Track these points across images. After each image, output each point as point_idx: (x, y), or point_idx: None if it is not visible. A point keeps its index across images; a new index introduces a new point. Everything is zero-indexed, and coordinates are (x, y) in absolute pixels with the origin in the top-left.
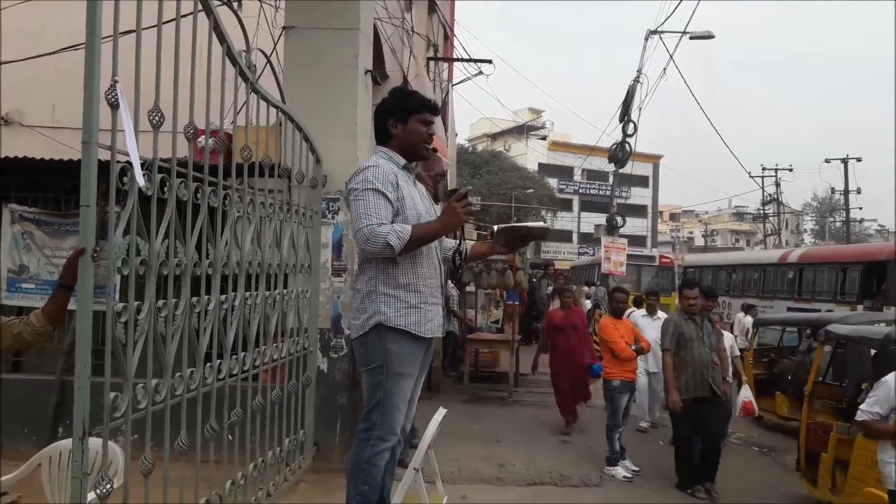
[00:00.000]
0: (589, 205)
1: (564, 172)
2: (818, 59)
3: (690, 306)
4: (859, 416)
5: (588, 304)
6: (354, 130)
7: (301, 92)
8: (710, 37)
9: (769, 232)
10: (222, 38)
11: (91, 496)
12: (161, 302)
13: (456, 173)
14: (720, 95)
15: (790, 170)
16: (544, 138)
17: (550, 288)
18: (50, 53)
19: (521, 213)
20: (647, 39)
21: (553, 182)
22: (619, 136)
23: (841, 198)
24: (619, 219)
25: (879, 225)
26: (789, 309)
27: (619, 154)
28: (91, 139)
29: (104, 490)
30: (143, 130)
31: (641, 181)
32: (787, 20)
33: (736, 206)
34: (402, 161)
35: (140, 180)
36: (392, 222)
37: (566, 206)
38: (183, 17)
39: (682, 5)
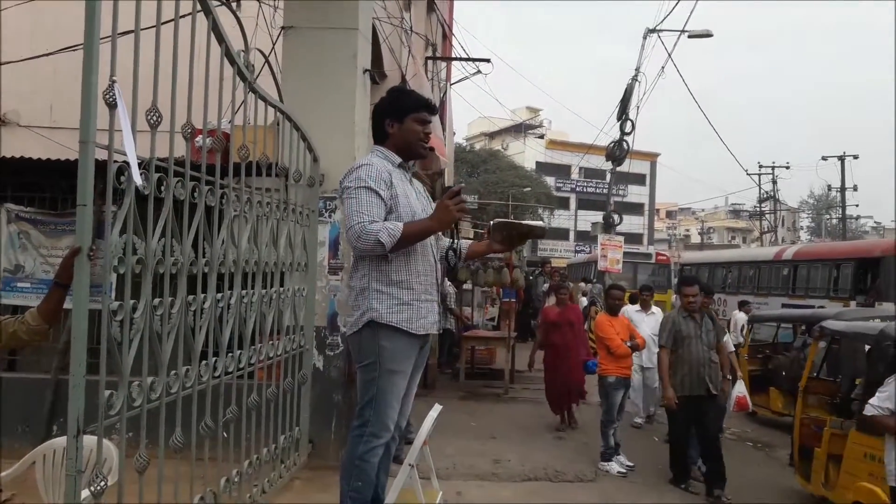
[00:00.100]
0: (586, 203)
1: (562, 171)
2: (816, 55)
3: (690, 303)
4: (868, 411)
5: (584, 301)
6: (352, 129)
7: (299, 91)
8: (708, 35)
9: (765, 229)
10: (221, 38)
11: (85, 494)
12: (157, 300)
13: (454, 172)
14: (718, 93)
15: (787, 167)
16: (542, 137)
17: (547, 285)
18: (48, 54)
19: (518, 212)
20: (645, 38)
21: (550, 180)
22: (616, 135)
23: (837, 195)
24: (615, 217)
25: (875, 222)
26: (784, 305)
27: (617, 152)
28: (88, 138)
29: (98, 487)
30: (141, 130)
31: (638, 179)
32: (786, 18)
33: (732, 204)
34: (398, 160)
35: (137, 179)
36: (385, 220)
37: (563, 204)
38: (181, 17)
39: (682, 4)
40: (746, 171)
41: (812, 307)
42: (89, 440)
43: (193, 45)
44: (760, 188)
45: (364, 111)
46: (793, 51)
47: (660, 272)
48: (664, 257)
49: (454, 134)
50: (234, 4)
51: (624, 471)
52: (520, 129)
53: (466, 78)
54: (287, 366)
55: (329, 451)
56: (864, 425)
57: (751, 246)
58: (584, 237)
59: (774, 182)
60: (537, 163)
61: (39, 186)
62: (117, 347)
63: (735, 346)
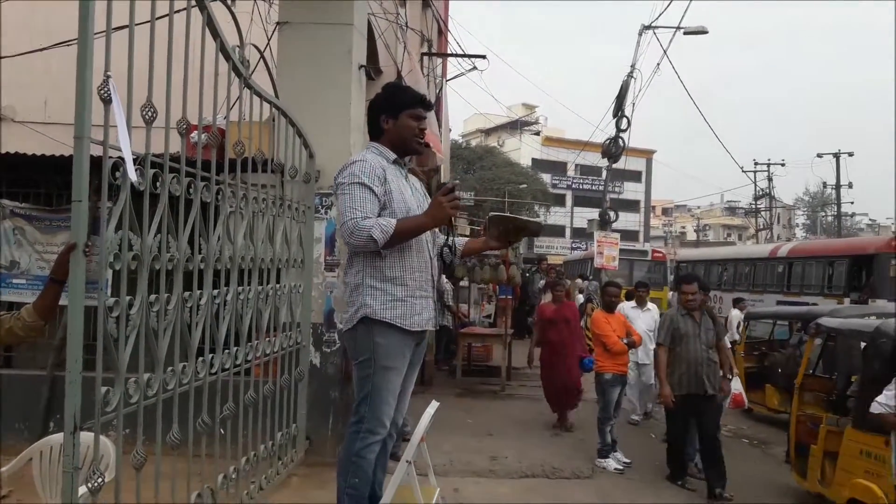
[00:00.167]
0: (582, 200)
1: (558, 168)
2: (812, 55)
3: (689, 301)
4: (875, 409)
5: (581, 298)
6: (348, 126)
7: (294, 87)
8: (703, 32)
9: (761, 226)
10: (216, 34)
11: (82, 490)
12: (153, 297)
13: (450, 168)
14: (714, 92)
15: (782, 164)
16: (538, 134)
17: (543, 282)
18: (42, 49)
19: (514, 209)
20: (640, 35)
21: (546, 177)
22: (612, 132)
23: (833, 192)
24: (611, 214)
25: (870, 219)
26: (779, 302)
27: (613, 149)
28: (83, 134)
29: (95, 484)
30: (136, 126)
31: (634, 176)
32: (781, 17)
33: (728, 201)
34: (393, 156)
35: (132, 175)
36: (379, 216)
37: (559, 201)
38: (176, 12)
39: (675, 4)
40: (742, 168)
41: (806, 304)
42: (86, 437)
43: (188, 40)
44: (756, 185)
45: (360, 107)
46: (788, 50)
47: (656, 269)
48: (660, 254)
49: (450, 130)
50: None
51: (621, 468)
52: (516, 126)
53: (462, 74)
54: (284, 363)
55: (326, 447)
56: (865, 422)
57: (746, 243)
58: (581, 234)
59: (770, 179)
60: (533, 160)
61: (34, 182)
62: (113, 344)
63: (731, 343)
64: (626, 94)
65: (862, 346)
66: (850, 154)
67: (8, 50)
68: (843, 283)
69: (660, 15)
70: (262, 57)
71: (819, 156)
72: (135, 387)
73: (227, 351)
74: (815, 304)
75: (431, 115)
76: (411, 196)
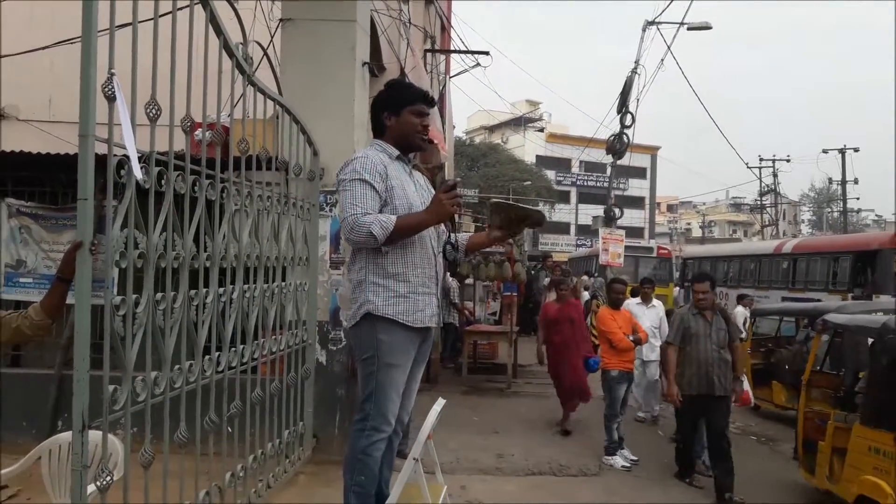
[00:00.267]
0: (587, 196)
1: (562, 164)
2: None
3: (700, 300)
4: None
5: (586, 295)
6: (351, 123)
7: (298, 84)
8: (707, 28)
9: (766, 223)
10: (219, 31)
11: (91, 488)
12: (159, 295)
13: (454, 166)
14: (718, 91)
15: (788, 160)
16: (542, 130)
17: (548, 280)
18: (46, 47)
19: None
20: (644, 31)
21: (551, 174)
22: (616, 128)
23: (838, 188)
24: (616, 210)
25: (877, 215)
26: (783, 298)
27: (617, 145)
28: (88, 132)
29: (104, 482)
30: (141, 124)
31: (639, 172)
32: (785, 17)
33: (733, 197)
34: (396, 152)
35: (137, 173)
36: (381, 212)
37: (564, 198)
38: (179, 9)
39: (675, 4)
40: (747, 164)
41: (811, 300)
42: (94, 435)
43: (192, 37)
44: (761, 181)
45: (363, 104)
46: (793, 50)
47: (661, 266)
48: (665, 251)
49: (454, 127)
50: None
51: (628, 465)
52: (520, 123)
53: (466, 71)
54: (290, 361)
55: (333, 445)
56: (874, 418)
57: (752, 239)
58: (585, 231)
59: (775, 175)
60: (537, 156)
61: (40, 181)
62: (120, 342)
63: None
64: (630, 90)
65: (870, 343)
66: (856, 150)
67: (12, 48)
68: (847, 278)
69: (663, 11)
70: (266, 54)
71: (825, 151)
72: (142, 385)
73: (233, 349)
74: (818, 300)
75: (435, 111)
76: (415, 192)
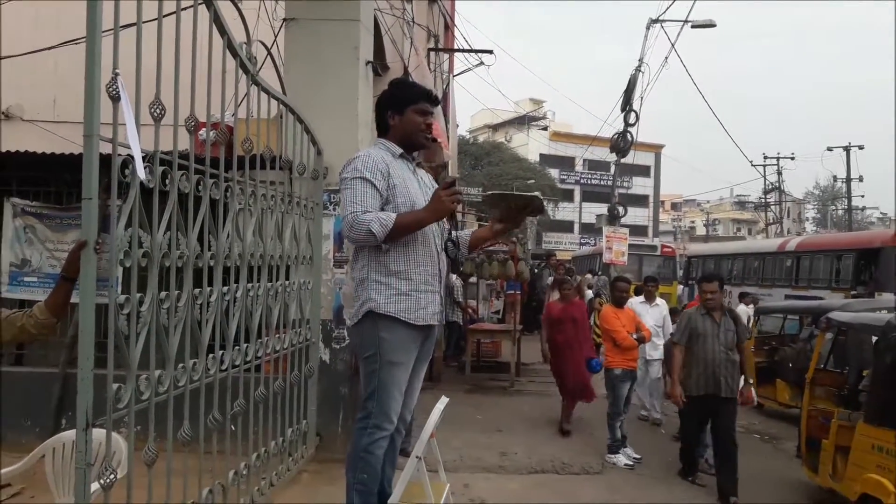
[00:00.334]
0: (590, 195)
1: (566, 163)
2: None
3: (708, 300)
4: None
5: (590, 293)
6: (355, 122)
7: (302, 84)
8: (711, 25)
9: (771, 221)
10: (223, 31)
11: (95, 486)
12: (163, 294)
13: (457, 164)
14: (721, 84)
15: (792, 158)
16: (545, 129)
17: (552, 279)
18: (50, 48)
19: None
20: (648, 28)
21: (554, 172)
22: (620, 126)
23: (843, 186)
24: (620, 209)
25: (881, 213)
26: (787, 296)
27: (621, 144)
28: (93, 132)
29: (108, 480)
30: (145, 123)
31: (643, 171)
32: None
33: (738, 195)
34: (399, 150)
35: (141, 173)
36: (383, 210)
37: (567, 196)
38: (183, 9)
39: (678, 4)
40: (751, 162)
41: (814, 298)
42: (98, 433)
43: (196, 37)
44: (766, 179)
45: (367, 103)
46: (794, 50)
47: (665, 264)
48: (669, 249)
49: (457, 126)
50: None
51: (631, 463)
52: (523, 121)
53: (469, 69)
54: (293, 359)
55: (336, 443)
56: (877, 417)
57: (756, 237)
58: (589, 229)
59: (780, 173)
60: (541, 155)
61: (44, 181)
62: (125, 341)
63: None
64: (634, 88)
65: (873, 340)
66: (861, 147)
67: (17, 48)
68: (850, 276)
69: (667, 9)
70: (270, 54)
71: (829, 149)
72: (146, 384)
73: (237, 347)
74: (821, 298)
75: (438, 110)
76: (418, 190)
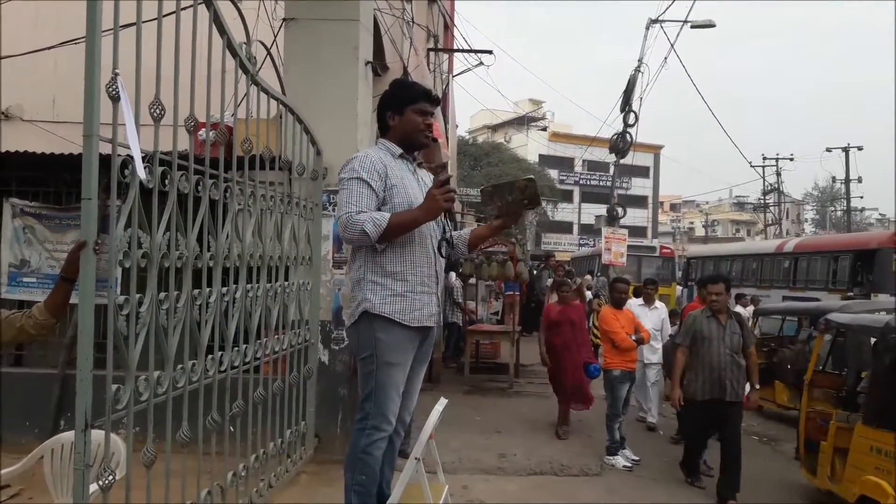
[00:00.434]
0: (589, 196)
1: (565, 163)
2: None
3: (713, 302)
4: None
5: (589, 294)
6: (355, 122)
7: (301, 84)
8: (711, 26)
9: (770, 222)
10: (222, 31)
11: (93, 488)
12: (163, 294)
13: (456, 165)
14: (720, 85)
15: (791, 159)
16: (545, 129)
17: (551, 280)
18: (49, 48)
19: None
20: (647, 29)
21: (554, 173)
22: (620, 127)
23: (842, 187)
24: (619, 209)
25: (881, 214)
26: (784, 297)
27: (620, 144)
28: (92, 132)
29: (106, 481)
30: (144, 124)
31: (642, 171)
32: (786, 17)
33: (736, 196)
34: (399, 150)
35: (141, 173)
36: (380, 210)
37: (567, 197)
38: (183, 9)
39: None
40: (751, 163)
41: (811, 299)
42: (97, 434)
43: (195, 37)
44: (765, 180)
45: (366, 103)
46: (793, 50)
47: (664, 265)
48: (668, 250)
49: (457, 126)
50: None
51: (629, 465)
52: (522, 122)
53: (469, 69)
54: (292, 360)
55: (335, 445)
56: (876, 418)
57: (755, 238)
58: (588, 230)
59: (778, 174)
60: (540, 155)
61: (44, 181)
62: (124, 342)
63: None
64: (633, 88)
65: (872, 342)
66: (860, 148)
67: (17, 48)
68: (846, 277)
69: (667, 9)
70: (269, 54)
71: (828, 150)
72: (145, 384)
73: (236, 348)
74: (818, 300)
75: (437, 110)
76: (418, 190)
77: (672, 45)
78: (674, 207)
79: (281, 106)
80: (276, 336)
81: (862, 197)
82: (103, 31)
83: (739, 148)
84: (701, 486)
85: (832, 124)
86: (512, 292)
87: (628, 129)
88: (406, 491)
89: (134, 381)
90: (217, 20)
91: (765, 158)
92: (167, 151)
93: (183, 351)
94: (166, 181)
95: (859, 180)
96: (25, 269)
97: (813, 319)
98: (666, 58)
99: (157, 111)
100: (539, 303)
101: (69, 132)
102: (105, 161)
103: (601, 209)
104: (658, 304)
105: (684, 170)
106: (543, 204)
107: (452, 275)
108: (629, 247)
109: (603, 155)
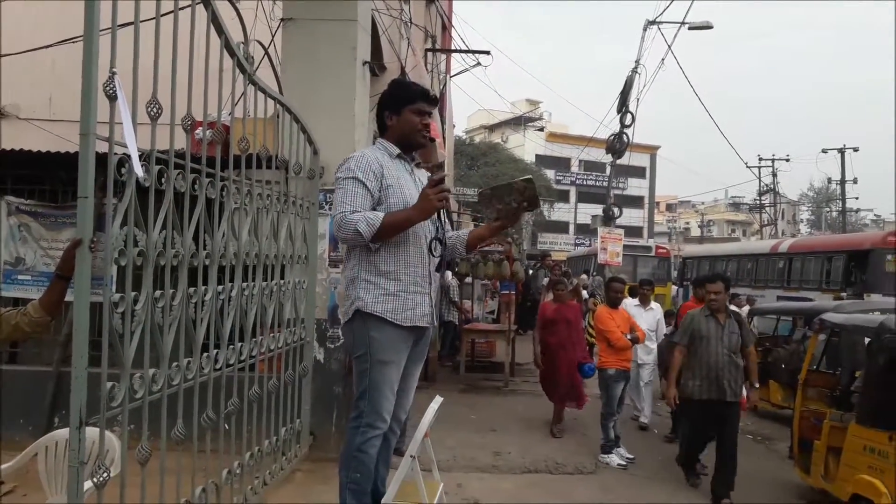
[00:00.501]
0: (586, 196)
1: (562, 163)
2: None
3: (712, 301)
4: None
5: (585, 293)
6: (352, 122)
7: (299, 83)
8: (708, 27)
9: (765, 222)
10: (220, 30)
11: (88, 485)
12: (158, 293)
13: (453, 165)
14: (718, 85)
15: (787, 160)
16: (542, 129)
17: (548, 280)
18: (47, 46)
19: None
20: (645, 30)
21: (550, 173)
22: (616, 127)
23: (837, 187)
24: (615, 209)
25: (875, 215)
26: (779, 297)
27: (617, 145)
28: (89, 131)
29: (101, 479)
30: (141, 122)
31: (638, 172)
32: (784, 17)
33: (732, 197)
34: (396, 150)
35: (138, 171)
36: (375, 210)
37: (563, 197)
38: (181, 9)
39: (676, 5)
40: (746, 163)
41: (805, 299)
42: (91, 432)
43: (193, 36)
44: (760, 181)
45: (364, 103)
46: (791, 50)
47: (660, 265)
48: (664, 250)
49: (454, 126)
50: None
51: (624, 463)
52: (519, 122)
53: (466, 70)
54: (288, 358)
55: (330, 443)
56: (869, 418)
57: (751, 239)
58: (584, 230)
59: (774, 175)
60: (537, 156)
61: (39, 179)
62: (119, 339)
63: None
64: (630, 89)
65: (866, 342)
66: (856, 150)
67: (14, 46)
68: (840, 278)
69: (664, 10)
70: (267, 53)
71: (824, 151)
72: (140, 382)
73: (231, 347)
74: (811, 300)
75: (435, 111)
76: (414, 190)
77: (669, 47)
78: (670, 208)
79: (278, 105)
80: (272, 334)
81: (857, 198)
82: (101, 30)
83: (736, 149)
84: (695, 484)
85: (830, 124)
86: (508, 291)
87: (625, 130)
88: (401, 489)
89: (129, 379)
90: (215, 20)
91: (761, 159)
92: (164, 150)
93: (178, 349)
94: (163, 180)
95: (854, 181)
96: (21, 267)
97: (807, 319)
98: (663, 59)
99: (155, 110)
100: (535, 302)
101: (66, 130)
102: (101, 159)
103: (597, 209)
104: (654, 304)
105: (681, 170)
106: (541, 204)
107: (449, 274)
108: (625, 246)
109: (599, 155)
